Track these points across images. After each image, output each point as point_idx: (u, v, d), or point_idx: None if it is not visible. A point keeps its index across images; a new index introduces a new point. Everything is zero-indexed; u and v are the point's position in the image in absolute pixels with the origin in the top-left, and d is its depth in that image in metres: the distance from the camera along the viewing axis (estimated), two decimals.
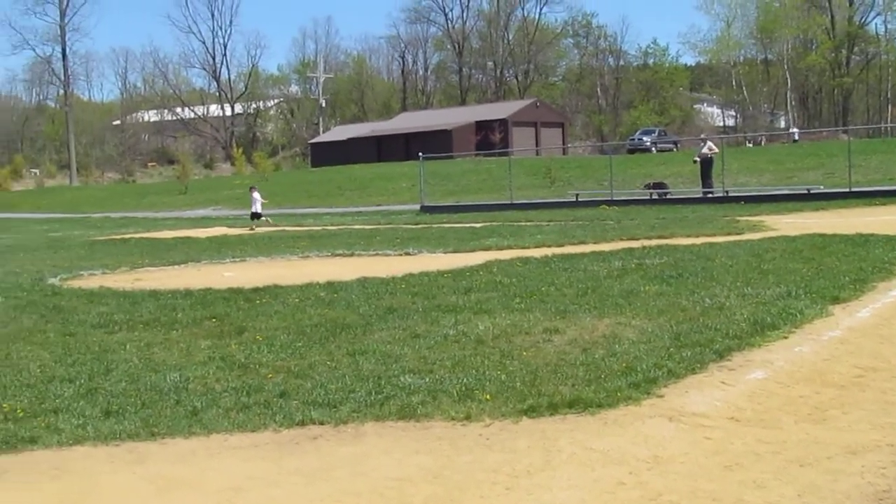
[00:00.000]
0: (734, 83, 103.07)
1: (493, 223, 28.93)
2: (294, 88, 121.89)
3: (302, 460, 6.37)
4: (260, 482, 5.99)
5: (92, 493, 5.92)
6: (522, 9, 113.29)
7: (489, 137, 75.95)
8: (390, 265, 17.38)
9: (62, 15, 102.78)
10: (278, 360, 9.29)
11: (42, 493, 5.98)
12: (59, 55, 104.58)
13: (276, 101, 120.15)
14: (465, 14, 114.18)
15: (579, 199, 36.84)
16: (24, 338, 11.17)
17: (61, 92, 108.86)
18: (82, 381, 8.72)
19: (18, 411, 7.71)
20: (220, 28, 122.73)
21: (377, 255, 20.23)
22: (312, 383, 8.21)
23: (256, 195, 35.78)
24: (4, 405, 7.93)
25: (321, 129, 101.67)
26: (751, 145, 66.64)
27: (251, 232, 32.20)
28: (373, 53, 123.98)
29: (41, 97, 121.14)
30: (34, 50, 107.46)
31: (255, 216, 35.16)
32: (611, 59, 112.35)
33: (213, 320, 11.74)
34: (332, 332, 10.51)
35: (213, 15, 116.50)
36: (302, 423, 7.13)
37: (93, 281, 17.11)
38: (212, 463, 6.40)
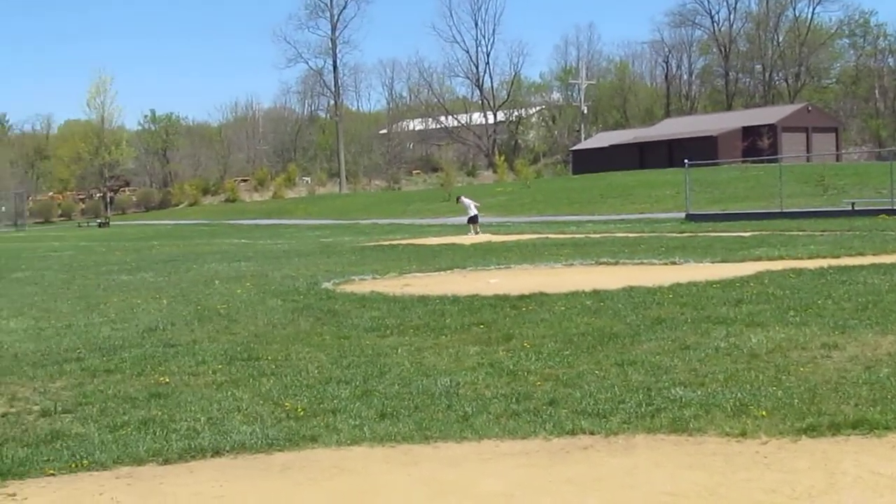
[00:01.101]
0: None
1: (763, 232, 28.07)
2: (556, 95, 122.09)
3: (573, 470, 6.33)
4: (531, 490, 5.99)
5: (369, 493, 6.08)
6: (794, 9, 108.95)
7: (756, 144, 73.71)
8: (656, 274, 17.11)
9: (333, 29, 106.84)
10: (546, 367, 9.31)
11: (323, 490, 6.19)
12: (331, 67, 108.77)
13: (537, 108, 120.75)
14: (732, 16, 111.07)
15: (855, 209, 35.23)
16: (302, 339, 11.66)
17: (332, 103, 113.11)
18: (357, 383, 9.01)
19: (299, 410, 8.04)
20: (484, 37, 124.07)
21: (642, 263, 19.98)
22: (581, 392, 8.17)
23: (468, 201, 37.09)
24: (286, 403, 8.29)
25: (583, 136, 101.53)
26: None
27: (477, 237, 32.62)
28: (636, 59, 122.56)
29: (313, 108, 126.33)
30: (307, 63, 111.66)
31: (473, 220, 36.24)
32: (891, 60, 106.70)
33: (481, 326, 11.89)
34: (600, 342, 10.45)
35: (476, 24, 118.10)
36: (572, 433, 7.10)
37: (364, 286, 17.68)
38: (483, 468, 6.45)
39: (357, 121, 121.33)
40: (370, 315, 13.33)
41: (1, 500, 6.19)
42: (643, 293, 14.00)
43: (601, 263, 20.40)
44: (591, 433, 7.07)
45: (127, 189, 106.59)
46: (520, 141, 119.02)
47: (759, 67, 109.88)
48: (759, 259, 19.14)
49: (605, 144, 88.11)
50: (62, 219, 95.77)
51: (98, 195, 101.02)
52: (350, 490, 6.14)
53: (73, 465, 6.81)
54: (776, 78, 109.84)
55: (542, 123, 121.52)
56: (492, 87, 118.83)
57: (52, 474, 6.68)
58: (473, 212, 36.45)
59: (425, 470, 6.46)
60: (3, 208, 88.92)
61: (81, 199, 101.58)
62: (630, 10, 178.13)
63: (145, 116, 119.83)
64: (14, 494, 6.31)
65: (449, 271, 20.15)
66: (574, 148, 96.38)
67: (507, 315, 12.71)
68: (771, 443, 6.61)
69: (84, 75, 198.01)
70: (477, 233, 34.94)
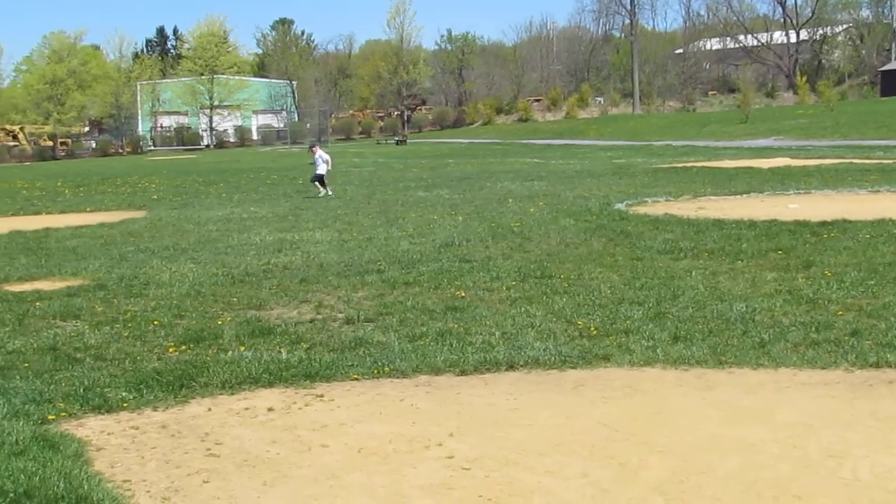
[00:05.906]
0: None
1: None
2: (865, 13, 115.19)
3: (877, 404, 6.09)
4: (831, 421, 5.80)
5: (663, 415, 6.06)
6: None
7: None
8: None
9: None
10: (848, 297, 8.96)
11: (617, 408, 6.23)
12: None
13: (844, 26, 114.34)
14: None
15: None
16: (594, 260, 11.70)
17: (627, 22, 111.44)
18: (650, 304, 8.97)
19: (592, 329, 8.11)
20: None
21: None
22: (887, 324, 7.83)
23: (322, 154, 25.94)
24: (579, 322, 8.37)
25: (893, 56, 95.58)
26: None
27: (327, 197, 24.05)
28: None
29: (608, 27, 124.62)
30: None
31: (318, 179, 25.31)
32: None
33: (779, 252, 11.55)
34: None
35: None
36: (876, 365, 6.82)
37: (657, 208, 17.49)
38: (780, 397, 6.30)
39: (652, 40, 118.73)
40: (664, 237, 13.20)
41: (310, 401, 6.58)
42: None
43: None
44: None
45: (423, 108, 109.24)
46: (823, 61, 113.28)
47: None
48: None
49: None
50: (362, 136, 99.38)
51: (396, 113, 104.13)
52: (644, 410, 6.15)
53: (376, 371, 7.17)
54: None
55: (849, 42, 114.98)
56: (795, 4, 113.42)
57: (356, 379, 7.05)
58: (321, 169, 25.24)
59: (720, 395, 6.38)
60: (309, 125, 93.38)
61: (380, 117, 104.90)
62: None
63: (442, 36, 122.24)
64: (322, 396, 6.70)
65: (745, 195, 19.63)
66: (883, 69, 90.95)
67: (806, 242, 12.28)
68: None
69: None
70: (327, 194, 24.43)
